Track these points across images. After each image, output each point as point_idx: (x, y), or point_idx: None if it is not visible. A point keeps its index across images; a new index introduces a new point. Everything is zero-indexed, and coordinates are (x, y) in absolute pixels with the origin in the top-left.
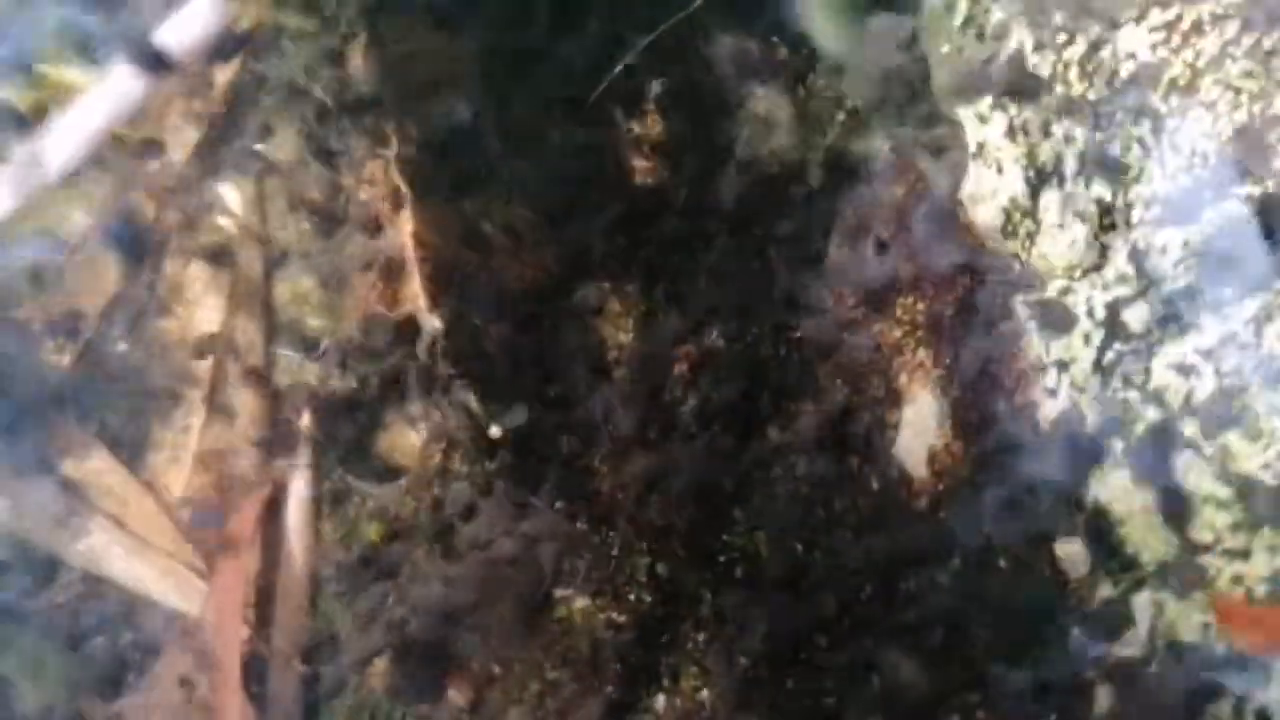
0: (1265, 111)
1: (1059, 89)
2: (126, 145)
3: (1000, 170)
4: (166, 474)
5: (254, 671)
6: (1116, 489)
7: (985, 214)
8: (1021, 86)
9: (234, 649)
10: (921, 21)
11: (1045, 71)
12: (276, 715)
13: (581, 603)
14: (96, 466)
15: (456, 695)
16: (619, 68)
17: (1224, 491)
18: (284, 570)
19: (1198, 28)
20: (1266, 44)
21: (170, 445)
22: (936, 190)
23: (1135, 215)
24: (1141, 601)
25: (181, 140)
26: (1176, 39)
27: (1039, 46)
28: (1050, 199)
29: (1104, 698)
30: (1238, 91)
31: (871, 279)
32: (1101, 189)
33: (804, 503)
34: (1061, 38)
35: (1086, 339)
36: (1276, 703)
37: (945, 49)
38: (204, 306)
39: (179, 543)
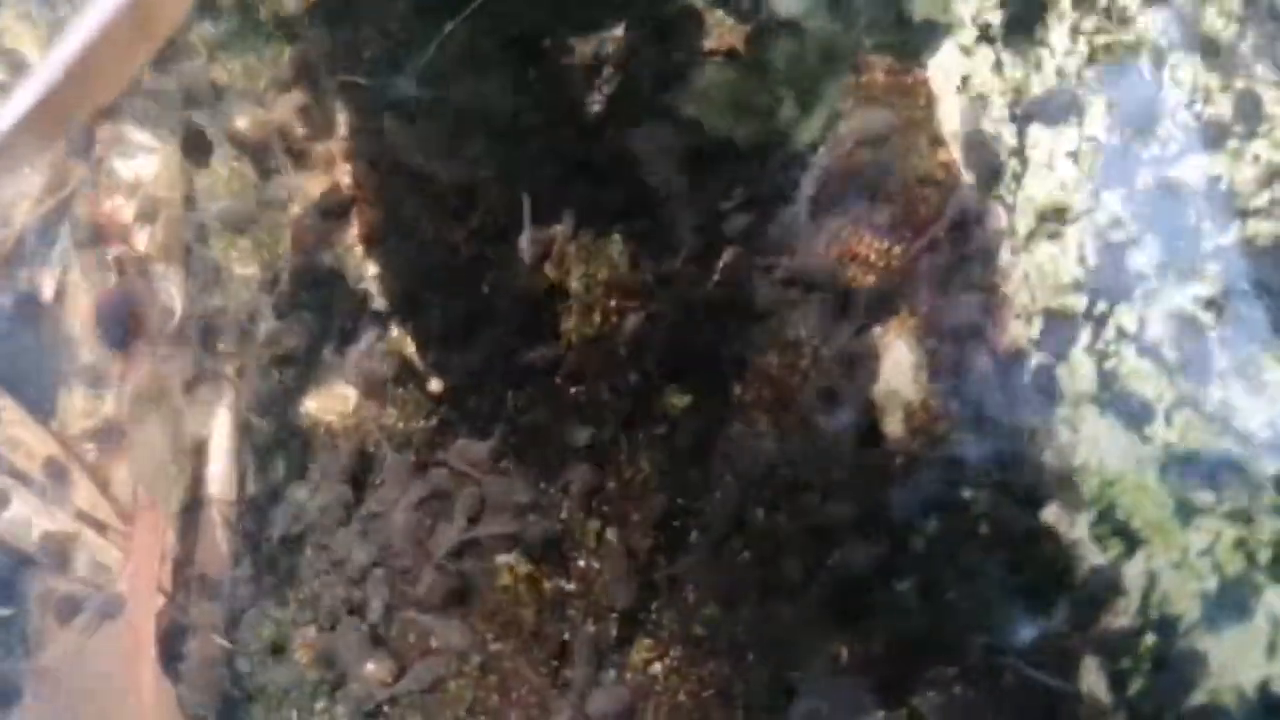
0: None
1: (1053, 19)
2: None
3: (986, 105)
4: (79, 426)
5: (172, 642)
6: (1109, 447)
7: None
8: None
9: (149, 617)
10: None
11: None
12: (194, 688)
13: (526, 569)
14: (4, 418)
15: (378, 669)
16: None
17: (1225, 448)
18: (205, 535)
19: None
20: None
21: (84, 397)
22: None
23: (1131, 156)
24: (1134, 570)
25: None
26: None
27: None
28: (1039, 137)
29: (1091, 669)
30: (1242, 22)
31: (843, 223)
32: (1095, 126)
33: (768, 462)
34: None
35: (1078, 286)
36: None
37: None
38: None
39: (93, 501)
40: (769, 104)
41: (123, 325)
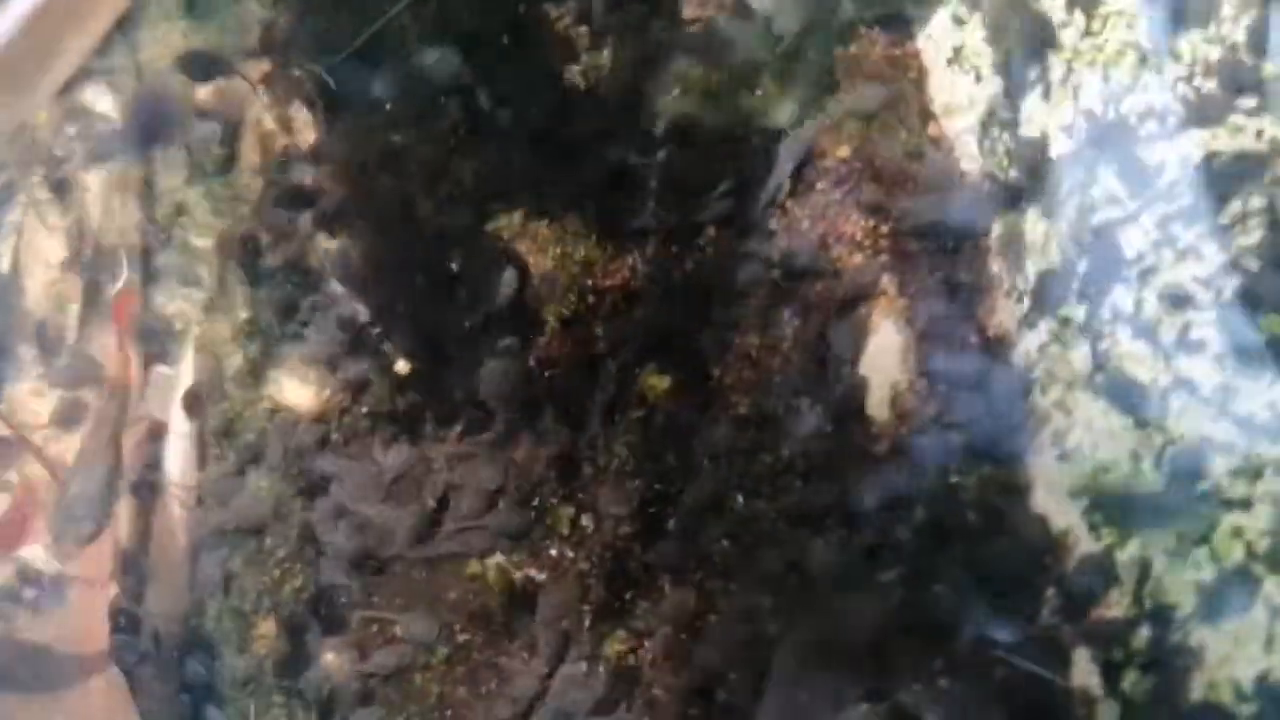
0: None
1: None
2: None
3: (979, 78)
4: (29, 409)
5: (125, 632)
6: (1102, 432)
7: (960, 126)
8: None
9: (100, 608)
10: None
11: None
12: (147, 681)
13: (496, 557)
14: None
15: (337, 659)
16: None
17: (1224, 434)
18: (160, 519)
19: None
20: None
21: (33, 375)
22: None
23: (1128, 131)
24: (1126, 558)
25: None
26: None
27: None
28: (1033, 110)
29: (1083, 661)
30: None
31: (829, 200)
32: (1091, 100)
33: (748, 447)
34: None
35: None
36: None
37: None
38: (73, 221)
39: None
40: (742, 90)
41: (149, 126)
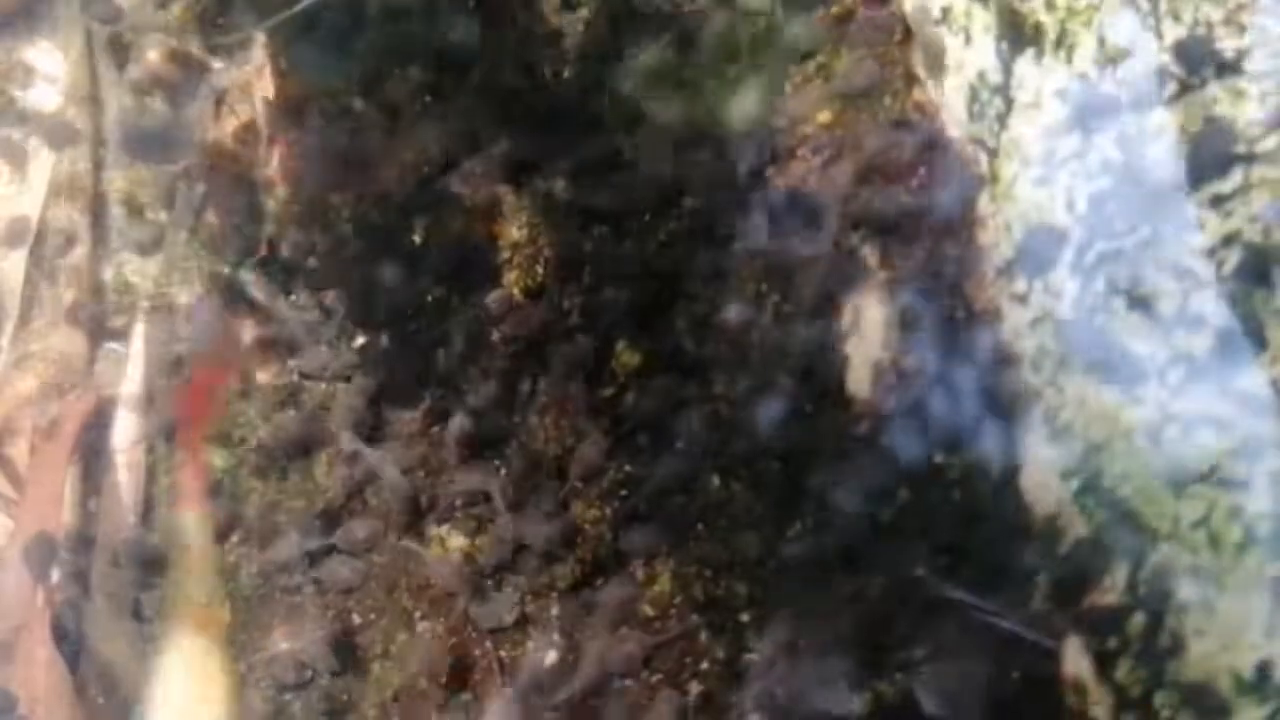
0: None
1: None
2: None
3: (968, 40)
4: None
5: (68, 619)
6: (1096, 409)
7: (948, 90)
8: None
9: (42, 593)
10: None
11: None
12: (90, 673)
13: (459, 541)
14: None
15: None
16: None
17: (1224, 409)
18: (108, 499)
19: None
20: None
21: None
22: None
23: (1125, 95)
24: (1120, 542)
25: None
26: None
27: None
28: (1026, 74)
29: (1075, 649)
30: None
31: (809, 170)
32: (1085, 63)
33: (723, 427)
34: None
35: (1064, 237)
36: None
37: None
38: (19, 189)
39: None
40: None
41: None
